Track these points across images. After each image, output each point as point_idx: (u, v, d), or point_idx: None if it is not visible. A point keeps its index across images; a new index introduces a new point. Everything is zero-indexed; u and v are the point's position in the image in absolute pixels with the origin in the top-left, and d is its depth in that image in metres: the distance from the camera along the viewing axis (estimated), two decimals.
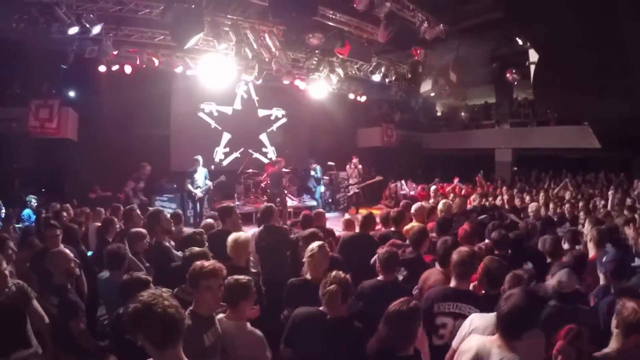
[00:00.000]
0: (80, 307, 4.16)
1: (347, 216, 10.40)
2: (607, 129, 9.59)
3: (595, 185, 15.28)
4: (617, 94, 5.68)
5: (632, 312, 2.91)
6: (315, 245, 4.42)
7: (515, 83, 15.96)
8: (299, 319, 3.61)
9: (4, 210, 9.63)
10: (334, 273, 3.60)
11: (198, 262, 3.50)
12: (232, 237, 4.86)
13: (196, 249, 4.43)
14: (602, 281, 4.31)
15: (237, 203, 14.21)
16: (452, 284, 3.91)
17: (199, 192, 12.64)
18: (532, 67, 8.82)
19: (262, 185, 15.26)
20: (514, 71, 15.13)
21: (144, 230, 5.49)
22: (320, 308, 3.57)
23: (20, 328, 3.79)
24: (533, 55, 8.73)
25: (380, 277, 4.40)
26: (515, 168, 19.38)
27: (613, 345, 3.01)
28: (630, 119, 6.96)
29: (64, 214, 8.65)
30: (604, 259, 4.33)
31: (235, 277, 3.58)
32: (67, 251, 4.46)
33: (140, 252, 5.18)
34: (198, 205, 12.88)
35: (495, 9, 10.03)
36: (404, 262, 4.88)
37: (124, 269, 4.42)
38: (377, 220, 7.14)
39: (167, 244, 5.58)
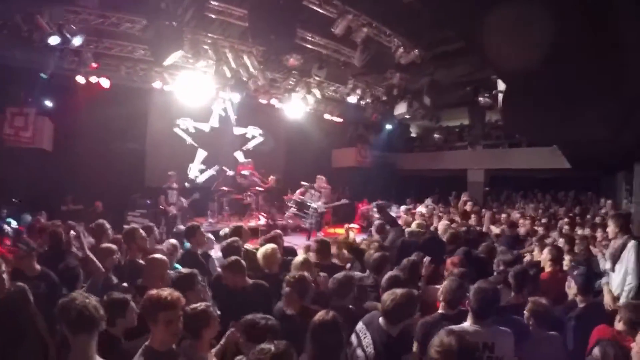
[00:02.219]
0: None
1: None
2: (576, 150, 9.87)
3: (565, 204, 15.72)
4: (585, 119, 5.92)
5: None
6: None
7: (488, 106, 16.32)
8: None
9: None
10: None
11: (154, 292, 3.16)
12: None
13: (184, 270, 4.32)
14: (570, 296, 4.61)
15: (210, 220, 14.22)
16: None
17: (173, 209, 12.65)
18: (500, 96, 9.12)
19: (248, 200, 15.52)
20: (486, 95, 15.50)
21: (113, 246, 5.49)
22: None
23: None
24: (500, 84, 9.00)
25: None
26: (487, 188, 19.73)
27: None
28: (598, 141, 7.21)
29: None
30: (574, 273, 4.61)
31: (193, 306, 3.39)
32: None
33: (110, 268, 5.16)
34: (171, 221, 12.81)
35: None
36: None
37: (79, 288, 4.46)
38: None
39: (140, 261, 5.55)
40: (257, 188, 15.27)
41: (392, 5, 9.72)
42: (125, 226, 7.00)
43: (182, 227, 8.39)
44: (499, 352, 3.43)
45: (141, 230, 5.69)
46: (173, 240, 6.27)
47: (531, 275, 5.11)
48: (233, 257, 4.91)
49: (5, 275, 3.89)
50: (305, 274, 4.36)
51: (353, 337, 3.63)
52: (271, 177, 15.68)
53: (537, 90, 5.38)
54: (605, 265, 5.96)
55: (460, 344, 2.68)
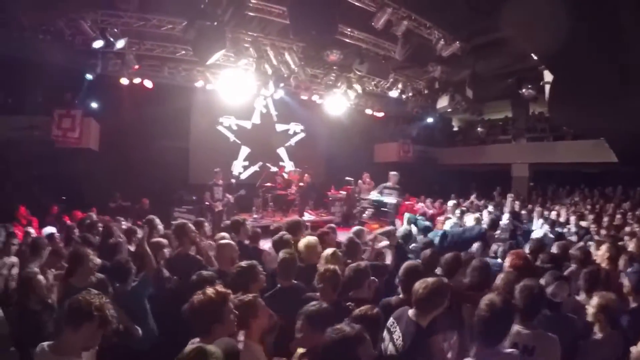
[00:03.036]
0: None
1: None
2: (624, 143, 9.57)
3: (613, 200, 15.25)
4: (633, 109, 5.74)
5: None
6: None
7: (531, 98, 15.99)
8: None
9: None
10: None
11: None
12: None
13: (244, 263, 4.24)
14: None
15: (255, 216, 14.35)
16: None
17: (219, 205, 12.83)
18: (547, 87, 8.89)
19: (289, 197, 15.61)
20: (529, 87, 15.17)
21: (164, 240, 5.62)
22: None
23: None
24: (547, 75, 8.79)
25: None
26: (532, 183, 19.33)
27: None
28: None
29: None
30: (628, 270, 4.52)
31: (240, 297, 3.39)
32: None
33: (160, 261, 5.23)
34: (217, 217, 12.88)
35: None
36: None
37: (130, 282, 4.57)
38: None
39: (192, 254, 5.61)
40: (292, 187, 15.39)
41: None
42: (173, 222, 7.06)
43: (229, 222, 8.47)
44: (540, 357, 3.28)
45: (191, 225, 5.75)
46: (224, 234, 6.32)
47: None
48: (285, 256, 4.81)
49: (92, 265, 4.21)
50: (336, 267, 4.28)
51: (385, 333, 3.55)
52: (305, 175, 15.68)
53: (585, 79, 5.25)
54: None
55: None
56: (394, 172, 12.93)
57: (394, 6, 10.09)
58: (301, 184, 15.47)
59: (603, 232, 9.21)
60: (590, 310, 3.68)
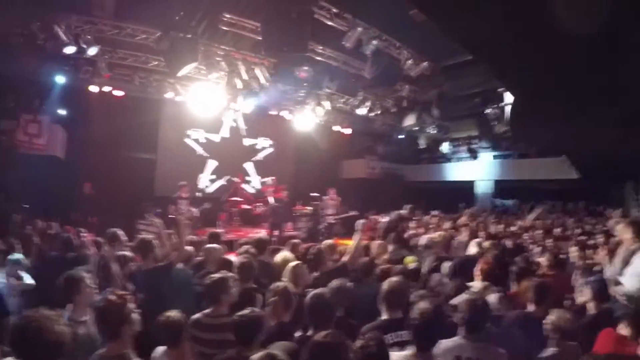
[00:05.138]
0: None
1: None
2: (584, 160, 9.92)
3: (574, 215, 15.66)
4: (591, 128, 5.99)
5: None
6: None
7: (495, 118, 16.40)
8: None
9: None
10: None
11: None
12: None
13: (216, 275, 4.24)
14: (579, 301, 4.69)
15: (220, 230, 14.27)
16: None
17: (183, 219, 12.70)
18: (507, 108, 9.22)
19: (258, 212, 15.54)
20: (494, 106, 15.58)
21: (129, 254, 5.62)
22: None
23: None
24: (507, 97, 9.12)
25: None
26: (496, 199, 19.77)
27: None
28: (606, 150, 7.29)
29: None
30: (590, 279, 4.68)
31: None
32: None
33: (126, 275, 5.21)
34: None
35: None
36: None
37: None
38: None
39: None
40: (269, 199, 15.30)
41: (402, 18, 9.85)
42: (138, 235, 6.97)
43: (194, 237, 8.43)
44: None
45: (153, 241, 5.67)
46: (189, 248, 6.35)
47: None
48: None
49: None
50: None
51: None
52: (283, 192, 15.38)
53: (546, 99, 5.46)
54: (608, 271, 6.02)
55: None
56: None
57: (364, 26, 10.30)
58: (273, 200, 14.94)
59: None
60: (546, 326, 3.77)
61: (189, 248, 6.24)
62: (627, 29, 3.93)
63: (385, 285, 4.05)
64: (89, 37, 10.70)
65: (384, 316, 3.92)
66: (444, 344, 3.34)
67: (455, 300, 3.91)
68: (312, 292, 3.76)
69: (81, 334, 3.51)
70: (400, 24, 10.46)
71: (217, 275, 4.15)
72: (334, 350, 2.79)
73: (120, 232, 6.54)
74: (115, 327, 3.02)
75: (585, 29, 3.75)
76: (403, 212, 13.28)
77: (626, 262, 5.58)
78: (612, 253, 6.45)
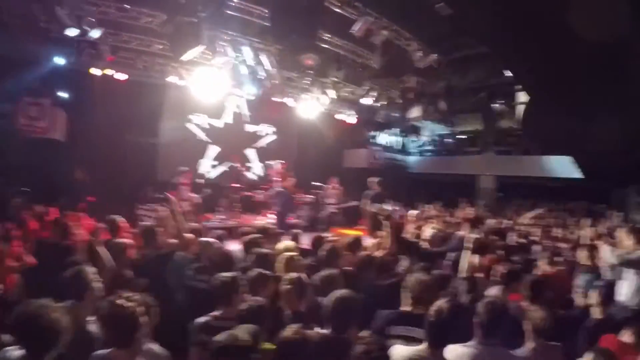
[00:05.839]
0: None
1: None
2: (590, 161, 9.85)
3: (574, 214, 15.60)
4: (600, 133, 5.90)
5: None
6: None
7: (501, 113, 16.32)
8: None
9: None
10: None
11: None
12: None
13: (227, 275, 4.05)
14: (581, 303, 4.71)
15: (220, 217, 14.17)
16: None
17: (185, 205, 12.52)
18: (521, 107, 9.11)
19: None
20: (501, 101, 15.48)
21: (128, 241, 5.43)
22: None
23: None
24: (521, 96, 9.03)
25: None
26: (502, 194, 19.68)
27: None
28: (612, 153, 7.22)
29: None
30: (598, 284, 4.68)
31: None
32: None
33: (126, 263, 5.08)
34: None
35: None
36: None
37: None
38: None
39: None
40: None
41: (412, 9, 9.70)
42: (140, 222, 6.81)
43: (195, 225, 8.33)
44: None
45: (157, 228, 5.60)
46: (189, 235, 6.25)
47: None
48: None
49: None
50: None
51: None
52: (290, 179, 14.24)
53: (559, 101, 5.37)
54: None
55: None
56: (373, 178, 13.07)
57: (375, 15, 10.13)
58: (281, 188, 13.83)
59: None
60: (525, 325, 3.70)
61: (190, 236, 6.13)
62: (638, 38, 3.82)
63: (413, 279, 4.00)
64: (92, 19, 10.47)
65: (404, 308, 3.89)
66: (460, 349, 3.26)
67: None
68: (335, 293, 3.53)
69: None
70: (410, 14, 10.32)
71: (228, 275, 3.98)
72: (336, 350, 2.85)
73: (120, 219, 6.42)
74: (125, 336, 2.88)
75: (601, 36, 3.65)
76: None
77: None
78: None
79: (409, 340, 3.56)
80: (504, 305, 3.61)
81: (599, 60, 4.25)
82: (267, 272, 4.38)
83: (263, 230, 6.74)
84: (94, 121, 13.47)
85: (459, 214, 13.47)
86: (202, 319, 3.74)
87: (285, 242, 6.06)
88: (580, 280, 5.65)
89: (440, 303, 3.24)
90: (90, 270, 3.80)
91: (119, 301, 2.90)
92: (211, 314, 3.80)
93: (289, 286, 4.01)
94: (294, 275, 4.13)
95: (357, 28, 10.23)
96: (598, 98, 4.96)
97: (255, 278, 4.21)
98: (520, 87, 9.71)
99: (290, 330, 3.09)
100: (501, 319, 3.44)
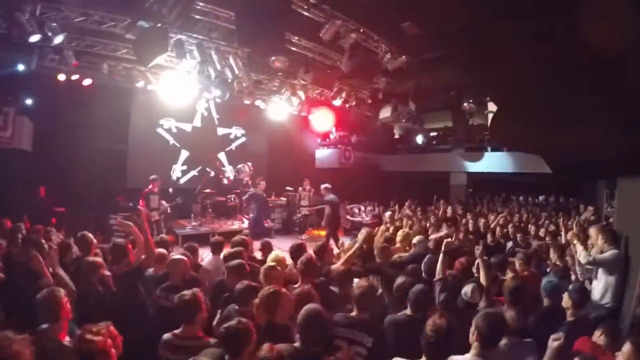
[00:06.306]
0: None
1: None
2: (557, 158, 9.97)
3: (545, 208, 15.86)
4: (566, 136, 5.98)
5: None
6: None
7: (471, 112, 16.47)
8: None
9: None
10: None
11: None
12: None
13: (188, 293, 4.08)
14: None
15: (193, 223, 14.03)
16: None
17: (155, 215, 12.30)
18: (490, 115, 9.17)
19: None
20: (471, 101, 15.59)
21: (99, 260, 5.33)
22: None
23: None
24: (491, 106, 9.11)
25: None
26: (471, 190, 19.91)
27: None
28: (579, 149, 7.32)
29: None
30: (570, 288, 4.75)
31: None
32: None
33: (96, 281, 5.00)
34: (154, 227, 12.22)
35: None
36: None
37: None
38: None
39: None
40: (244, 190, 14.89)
41: (380, 11, 9.66)
42: (114, 238, 6.61)
43: (164, 237, 8.20)
44: None
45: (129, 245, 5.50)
46: (161, 250, 6.19)
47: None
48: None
49: None
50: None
51: None
52: (262, 183, 13.81)
53: (528, 107, 5.42)
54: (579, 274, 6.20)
55: None
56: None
57: (343, 18, 10.07)
58: (254, 191, 13.48)
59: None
60: None
61: (161, 251, 6.07)
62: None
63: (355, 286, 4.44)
64: (55, 24, 10.22)
65: (354, 313, 4.18)
66: None
67: None
68: (306, 307, 3.66)
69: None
70: (379, 17, 10.27)
71: (189, 293, 4.00)
72: None
73: (90, 236, 6.29)
74: None
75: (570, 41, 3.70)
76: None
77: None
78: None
79: (352, 342, 3.88)
80: (502, 316, 3.64)
81: (569, 71, 4.29)
82: (255, 284, 4.51)
83: (240, 243, 6.66)
84: (61, 129, 13.23)
85: (433, 214, 13.63)
86: (164, 337, 3.84)
87: (276, 253, 6.29)
88: (548, 280, 5.73)
89: (436, 319, 3.27)
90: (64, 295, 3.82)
91: (87, 335, 2.89)
92: (173, 332, 3.87)
93: (257, 300, 4.03)
94: (266, 289, 4.12)
95: (325, 32, 10.14)
96: (566, 107, 5.02)
97: (243, 290, 4.34)
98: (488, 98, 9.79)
99: (264, 350, 3.09)
100: (500, 330, 3.49)
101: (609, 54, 3.46)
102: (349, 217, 16.81)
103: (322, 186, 13.32)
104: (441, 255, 5.37)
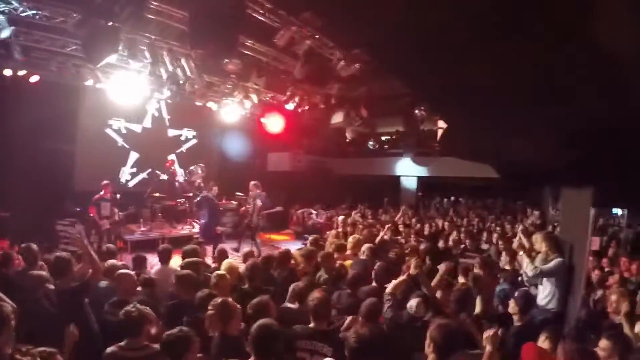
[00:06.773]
0: None
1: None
2: (504, 167, 10.29)
3: (493, 212, 16.33)
4: (512, 149, 6.16)
5: None
6: None
7: (422, 119, 16.77)
8: None
9: None
10: None
11: None
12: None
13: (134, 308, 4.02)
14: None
15: (142, 229, 13.74)
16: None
17: (105, 223, 11.93)
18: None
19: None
20: (422, 108, 15.86)
21: (44, 273, 5.14)
22: None
23: None
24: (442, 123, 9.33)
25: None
26: (421, 193, 20.26)
27: None
28: (526, 159, 7.55)
29: None
30: (515, 295, 5.00)
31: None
32: None
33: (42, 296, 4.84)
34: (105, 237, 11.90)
35: None
36: None
37: None
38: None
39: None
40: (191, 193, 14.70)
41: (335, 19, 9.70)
42: (58, 252, 6.31)
43: (112, 246, 7.99)
44: None
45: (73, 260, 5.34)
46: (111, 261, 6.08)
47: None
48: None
49: None
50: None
51: None
52: (214, 187, 13.42)
53: (475, 124, 5.56)
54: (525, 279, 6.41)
55: None
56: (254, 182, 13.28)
57: (298, 24, 10.10)
58: (205, 193, 13.08)
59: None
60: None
61: (108, 263, 5.93)
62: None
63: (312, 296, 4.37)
64: (2, 17, 9.87)
65: (312, 324, 4.21)
66: None
67: None
68: (259, 322, 3.62)
69: None
70: (334, 24, 10.32)
71: (135, 308, 3.96)
72: None
73: (35, 248, 6.05)
74: None
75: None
76: None
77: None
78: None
79: (313, 353, 3.96)
80: (455, 326, 3.72)
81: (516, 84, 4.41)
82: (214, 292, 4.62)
83: (193, 252, 6.61)
84: (5, 127, 12.70)
85: (383, 218, 13.81)
86: (109, 350, 3.78)
87: (229, 261, 6.30)
88: (501, 288, 5.94)
89: (360, 330, 3.38)
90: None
91: (17, 356, 2.86)
92: (118, 344, 3.82)
93: (212, 311, 4.05)
94: (218, 300, 4.17)
95: (280, 38, 10.15)
96: (514, 121, 5.17)
97: (204, 297, 4.46)
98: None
99: None
100: (454, 339, 3.50)
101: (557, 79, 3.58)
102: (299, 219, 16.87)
103: (251, 183, 13.19)
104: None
